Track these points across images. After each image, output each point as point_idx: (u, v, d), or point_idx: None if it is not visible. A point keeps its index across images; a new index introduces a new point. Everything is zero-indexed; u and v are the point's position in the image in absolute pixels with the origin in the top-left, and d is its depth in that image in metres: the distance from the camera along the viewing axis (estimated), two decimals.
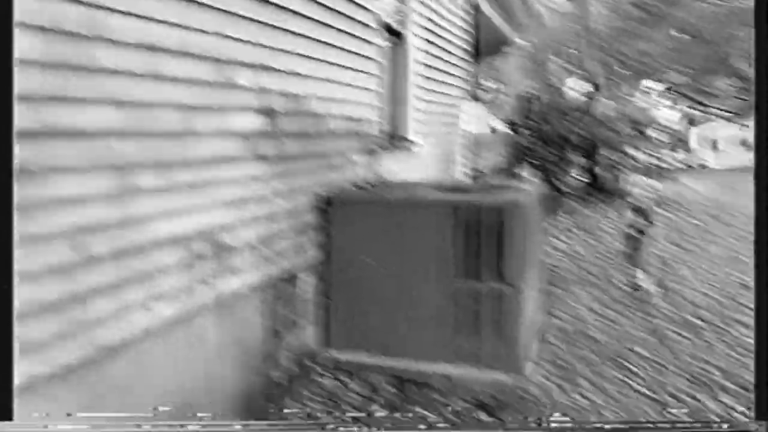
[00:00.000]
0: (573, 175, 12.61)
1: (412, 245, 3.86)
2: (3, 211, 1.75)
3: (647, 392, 3.67)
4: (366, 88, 4.92)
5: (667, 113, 23.54)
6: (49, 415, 2.12)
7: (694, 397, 3.58)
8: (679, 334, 4.65)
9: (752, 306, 5.36)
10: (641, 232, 5.73)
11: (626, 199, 5.73)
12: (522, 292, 3.68)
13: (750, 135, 47.03)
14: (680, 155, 12.53)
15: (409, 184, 4.78)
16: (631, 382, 3.82)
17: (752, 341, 4.33)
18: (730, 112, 31.90)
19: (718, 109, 30.68)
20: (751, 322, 4.80)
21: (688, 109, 28.79)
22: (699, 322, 4.92)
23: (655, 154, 12.39)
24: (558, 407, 3.54)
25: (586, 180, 13.04)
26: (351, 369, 4.15)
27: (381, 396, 3.88)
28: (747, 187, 12.26)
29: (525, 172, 13.41)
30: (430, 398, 3.80)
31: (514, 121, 13.03)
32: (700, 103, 28.63)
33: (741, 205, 11.80)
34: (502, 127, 13.68)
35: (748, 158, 26.64)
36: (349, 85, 4.63)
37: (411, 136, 6.16)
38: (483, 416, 3.53)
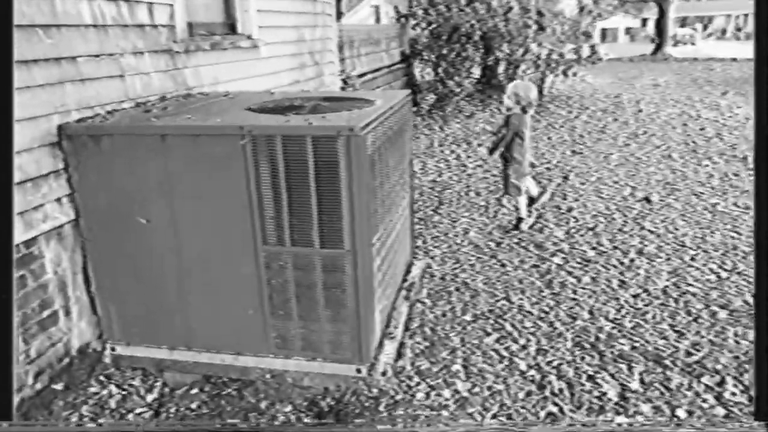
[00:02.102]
0: (469, 73, 11.52)
1: (205, 195, 2.60)
2: (3, 211, 1.53)
3: (535, 375, 2.80)
4: None
5: (568, 3, 22.67)
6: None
7: (591, 378, 2.75)
8: (571, 273, 3.83)
9: (655, 230, 4.73)
10: (510, 152, 4.43)
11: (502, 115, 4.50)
12: (368, 255, 2.58)
13: (636, 24, 47.65)
14: (583, 48, 11.61)
15: (224, 99, 3.39)
16: (515, 357, 2.94)
17: (662, 283, 3.60)
18: (626, 1, 31.76)
19: None
20: (655, 251, 4.07)
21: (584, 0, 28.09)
22: (595, 254, 4.13)
23: (557, 48, 11.47)
24: (418, 409, 2.60)
25: (483, 78, 12.04)
26: (143, 368, 2.99)
27: (182, 404, 2.77)
28: (641, 81, 11.72)
29: (418, 71, 12.16)
30: (250, 404, 2.75)
31: (406, 12, 11.52)
32: None
33: (633, 98, 11.38)
34: (392, 20, 12.11)
35: (642, 48, 26.80)
36: None
37: (249, 31, 4.65)
38: (317, 428, 2.54)
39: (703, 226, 4.56)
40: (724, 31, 47.40)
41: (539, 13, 11.54)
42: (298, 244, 2.57)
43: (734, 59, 21.05)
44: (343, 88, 7.00)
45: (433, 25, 11.10)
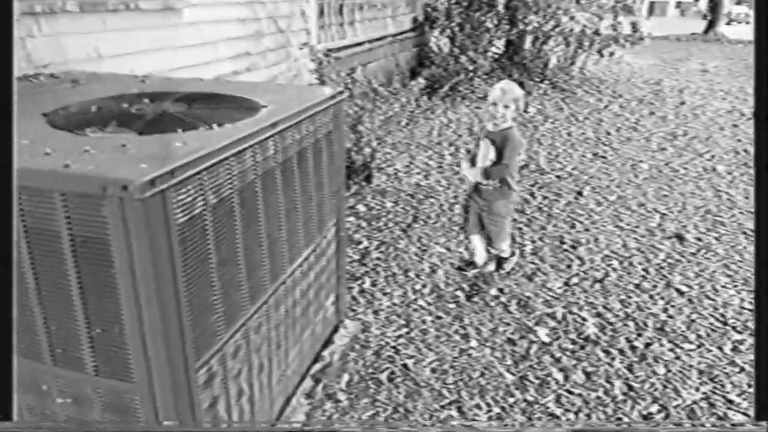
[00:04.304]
0: (489, 47, 10.14)
1: None
2: (3, 210, 1.32)
3: None
4: None
5: None
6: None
7: None
8: (558, 362, 2.71)
9: (686, 290, 3.49)
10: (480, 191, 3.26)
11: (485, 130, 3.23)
12: (183, 391, 1.53)
13: None
14: (624, 24, 10.07)
15: (64, 90, 2.31)
16: None
17: (689, 395, 2.42)
18: None
19: None
20: (683, 329, 2.88)
21: None
22: (597, 328, 2.99)
23: (593, 24, 9.99)
24: None
25: (505, 54, 10.64)
26: None
27: None
28: (688, 65, 10.07)
29: (434, 42, 10.81)
30: None
31: None
32: None
33: (675, 86, 9.89)
34: None
35: (692, 25, 24.52)
36: None
37: None
38: None
39: (754, 290, 3.36)
40: None
41: None
42: (62, 364, 1.53)
43: None
44: (320, 63, 5.82)
45: None
